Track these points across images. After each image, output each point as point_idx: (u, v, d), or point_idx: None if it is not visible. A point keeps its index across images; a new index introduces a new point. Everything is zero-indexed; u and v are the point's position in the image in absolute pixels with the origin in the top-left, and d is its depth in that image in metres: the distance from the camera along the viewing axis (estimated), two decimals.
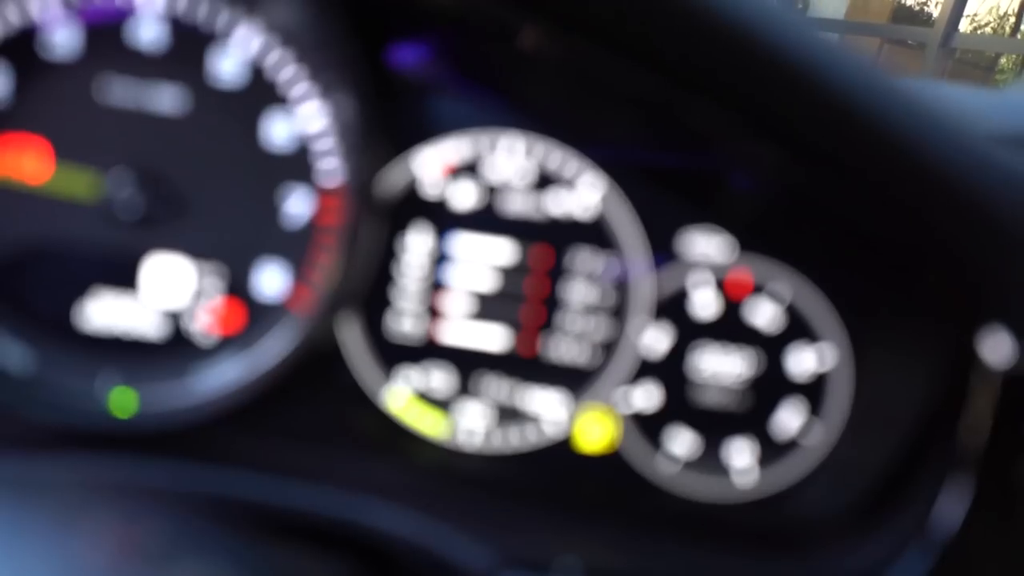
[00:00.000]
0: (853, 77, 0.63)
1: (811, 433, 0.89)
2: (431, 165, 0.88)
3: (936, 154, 0.64)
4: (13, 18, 0.81)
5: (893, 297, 0.87)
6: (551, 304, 0.90)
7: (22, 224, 0.85)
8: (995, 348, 0.72)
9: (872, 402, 0.88)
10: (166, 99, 0.84)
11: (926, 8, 17.11)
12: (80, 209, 0.85)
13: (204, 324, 0.88)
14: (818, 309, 0.88)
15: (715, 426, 0.90)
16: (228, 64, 0.84)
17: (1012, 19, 15.36)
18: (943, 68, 6.01)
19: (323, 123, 0.84)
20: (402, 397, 0.91)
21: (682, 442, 0.90)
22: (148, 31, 0.83)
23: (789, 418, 0.90)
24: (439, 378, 0.91)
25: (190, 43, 0.83)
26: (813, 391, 0.89)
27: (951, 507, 0.75)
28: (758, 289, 0.89)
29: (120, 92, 0.84)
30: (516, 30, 0.81)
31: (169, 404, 0.85)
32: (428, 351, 0.91)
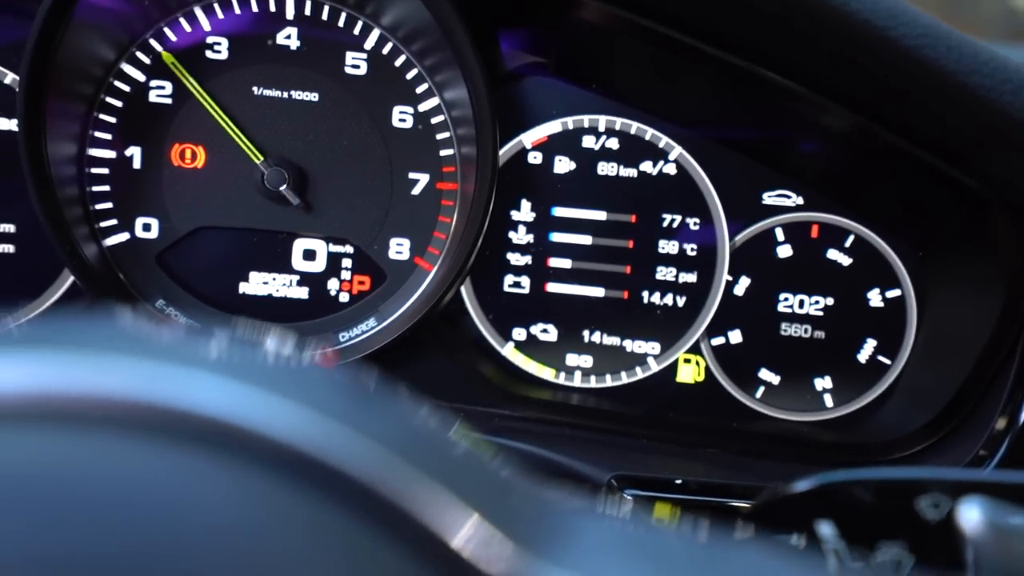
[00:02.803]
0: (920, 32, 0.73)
1: (883, 359, 0.99)
2: (535, 140, 0.99)
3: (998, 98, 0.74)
4: (174, 35, 0.95)
5: (951, 238, 0.96)
6: (645, 258, 1.01)
7: (192, 211, 0.98)
8: None
9: (936, 332, 0.98)
10: (305, 88, 0.97)
11: None
12: (236, 192, 0.98)
13: (341, 286, 1.01)
14: (882, 252, 0.98)
15: (798, 355, 1.01)
16: (358, 59, 0.97)
17: None
18: None
19: (440, 107, 0.97)
20: (514, 348, 1.03)
21: (769, 370, 1.01)
22: (288, 35, 0.96)
23: (863, 347, 1.00)
24: (549, 325, 1.02)
25: (324, 42, 0.96)
26: (884, 323, 0.99)
27: (1015, 413, 0.85)
28: (827, 237, 0.99)
29: (266, 84, 0.96)
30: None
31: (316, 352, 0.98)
32: (539, 301, 1.02)
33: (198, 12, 0.94)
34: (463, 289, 1.01)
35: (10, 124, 0.94)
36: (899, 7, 0.74)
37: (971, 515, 0.49)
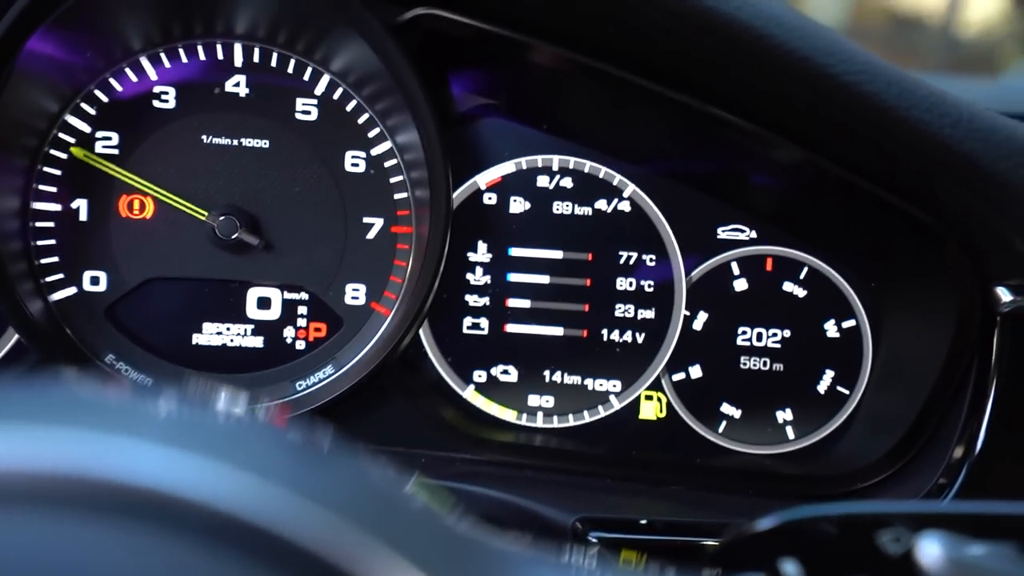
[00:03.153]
0: (864, 72, 0.74)
1: (841, 390, 1.00)
2: (490, 181, 0.99)
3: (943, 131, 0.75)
4: (120, 85, 0.94)
5: (903, 267, 0.98)
6: (603, 296, 1.01)
7: (141, 262, 0.97)
8: (997, 299, 0.83)
9: (892, 360, 0.99)
10: (255, 135, 0.96)
11: None
12: (187, 242, 0.96)
13: (296, 334, 0.99)
14: (836, 283, 0.99)
15: (758, 388, 1.01)
16: (308, 105, 0.96)
17: None
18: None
19: (393, 151, 0.97)
20: (475, 390, 1.02)
21: (730, 404, 1.01)
22: (237, 82, 0.95)
23: (822, 377, 1.00)
24: (509, 366, 1.02)
25: (274, 89, 0.96)
26: (841, 353, 1.00)
27: (971, 440, 0.86)
28: (781, 269, 1.00)
29: (215, 132, 0.96)
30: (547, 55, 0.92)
31: (273, 403, 0.96)
32: (499, 342, 1.02)
33: (144, 61, 0.94)
34: (421, 332, 1.00)
35: None
36: (837, 45, 0.75)
37: (930, 550, 0.49)
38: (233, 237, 0.95)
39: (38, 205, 0.94)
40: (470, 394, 1.02)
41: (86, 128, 0.94)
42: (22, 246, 0.93)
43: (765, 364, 1.01)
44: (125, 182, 0.95)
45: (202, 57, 0.94)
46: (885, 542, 0.55)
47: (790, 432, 1.01)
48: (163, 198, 0.95)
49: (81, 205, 0.95)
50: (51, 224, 0.94)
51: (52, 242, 0.94)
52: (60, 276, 0.95)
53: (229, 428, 0.38)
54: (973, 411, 0.87)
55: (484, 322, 1.01)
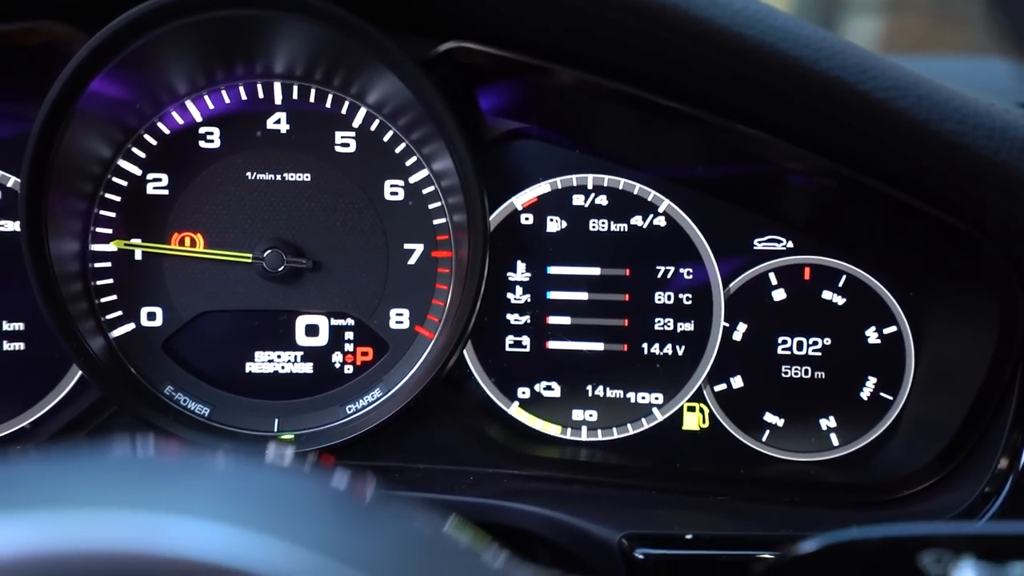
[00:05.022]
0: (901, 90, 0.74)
1: (885, 396, 1.00)
2: (526, 201, 1.01)
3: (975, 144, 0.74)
4: (167, 128, 0.97)
5: (942, 275, 0.97)
6: (641, 310, 1.02)
7: (195, 297, 1.00)
8: None
9: (935, 366, 0.98)
10: (297, 169, 0.99)
11: None
12: (237, 276, 0.99)
13: (344, 359, 1.02)
14: (875, 290, 0.99)
15: (800, 397, 1.01)
16: (346, 138, 0.99)
17: None
18: None
19: (430, 178, 0.99)
20: (519, 406, 1.03)
21: (773, 412, 1.01)
22: (278, 120, 0.98)
23: (864, 384, 1.00)
24: (552, 382, 1.03)
25: (313, 123, 0.98)
26: (883, 360, 1.00)
27: (1017, 450, 0.85)
28: (820, 278, 1.00)
29: (259, 168, 0.98)
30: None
31: (324, 427, 0.99)
32: (541, 359, 1.03)
33: (189, 104, 0.97)
34: (465, 352, 1.02)
35: (14, 226, 0.96)
36: (868, 62, 0.75)
37: None
38: (280, 269, 0.97)
39: (96, 247, 0.98)
40: (515, 411, 1.03)
41: (137, 171, 0.97)
42: (82, 287, 0.97)
43: (807, 372, 1.01)
44: (177, 220, 0.99)
45: (244, 97, 0.97)
46: (927, 564, 0.55)
47: (834, 439, 1.01)
48: (209, 254, 0.99)
49: (130, 244, 0.98)
50: (108, 264, 0.98)
51: (110, 281, 0.98)
52: (119, 313, 0.99)
53: (277, 496, 0.40)
54: (1018, 420, 0.86)
55: (526, 340, 1.03)
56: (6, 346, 0.98)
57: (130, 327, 0.99)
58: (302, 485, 0.42)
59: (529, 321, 1.03)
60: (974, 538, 0.58)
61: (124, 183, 0.97)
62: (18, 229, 0.92)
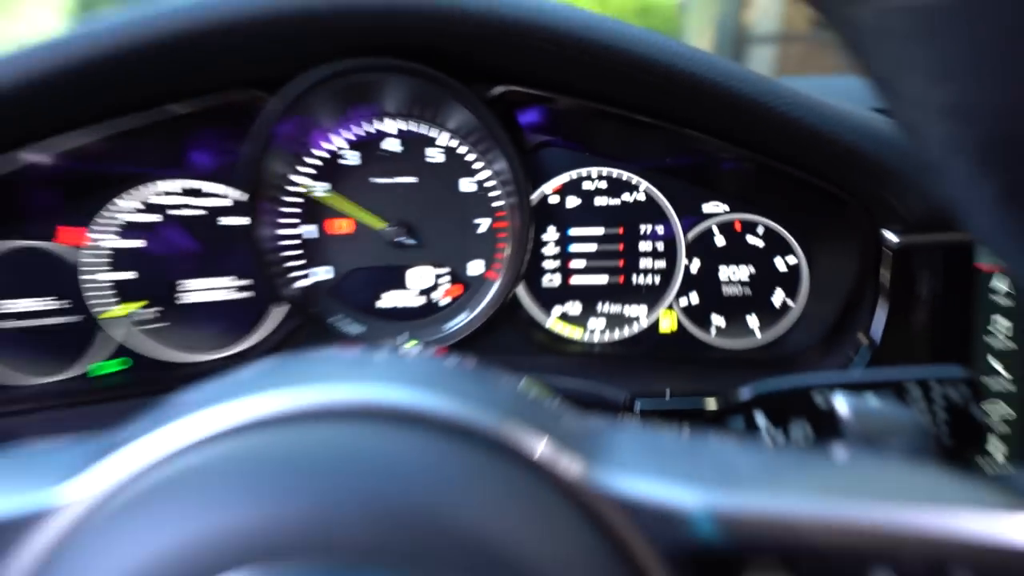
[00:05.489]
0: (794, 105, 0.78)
1: (789, 303, 1.05)
2: (554, 187, 1.06)
3: (846, 137, 0.79)
4: (322, 152, 1.03)
5: (826, 224, 1.01)
6: (631, 254, 1.08)
7: (348, 259, 1.07)
8: (888, 239, 0.86)
9: (820, 282, 1.04)
10: (406, 174, 1.05)
11: None
12: (372, 245, 1.06)
13: (442, 294, 1.09)
14: (782, 235, 1.04)
15: (736, 306, 1.08)
16: (436, 152, 1.04)
17: None
18: None
19: (492, 176, 1.04)
20: (554, 319, 1.10)
21: (717, 318, 1.08)
22: (391, 142, 1.04)
23: (776, 297, 1.06)
24: (573, 305, 1.10)
25: (414, 144, 1.04)
26: (788, 279, 1.06)
27: (876, 330, 0.91)
28: (746, 228, 1.05)
29: (381, 175, 1.05)
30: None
31: (434, 337, 1.07)
32: (565, 291, 1.10)
33: (333, 136, 1.02)
34: (519, 288, 1.09)
35: (242, 220, 1.02)
36: (770, 85, 0.79)
37: (842, 404, 0.56)
38: (398, 240, 1.04)
39: (282, 231, 1.05)
40: (551, 323, 1.10)
41: (308, 182, 1.04)
42: (278, 257, 1.04)
43: (739, 290, 1.06)
44: (334, 211, 1.05)
45: (369, 129, 1.03)
46: (818, 401, 0.62)
47: (758, 333, 1.07)
48: (359, 218, 1.05)
49: (311, 229, 1.05)
50: (293, 242, 1.05)
51: (296, 252, 1.06)
52: (303, 273, 1.06)
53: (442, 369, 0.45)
54: (871, 312, 0.91)
55: (557, 277, 1.09)
56: (235, 296, 1.05)
57: (309, 281, 1.06)
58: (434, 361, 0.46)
59: (558, 265, 1.09)
60: (845, 383, 0.63)
61: (300, 190, 1.04)
62: (244, 222, 1.00)
